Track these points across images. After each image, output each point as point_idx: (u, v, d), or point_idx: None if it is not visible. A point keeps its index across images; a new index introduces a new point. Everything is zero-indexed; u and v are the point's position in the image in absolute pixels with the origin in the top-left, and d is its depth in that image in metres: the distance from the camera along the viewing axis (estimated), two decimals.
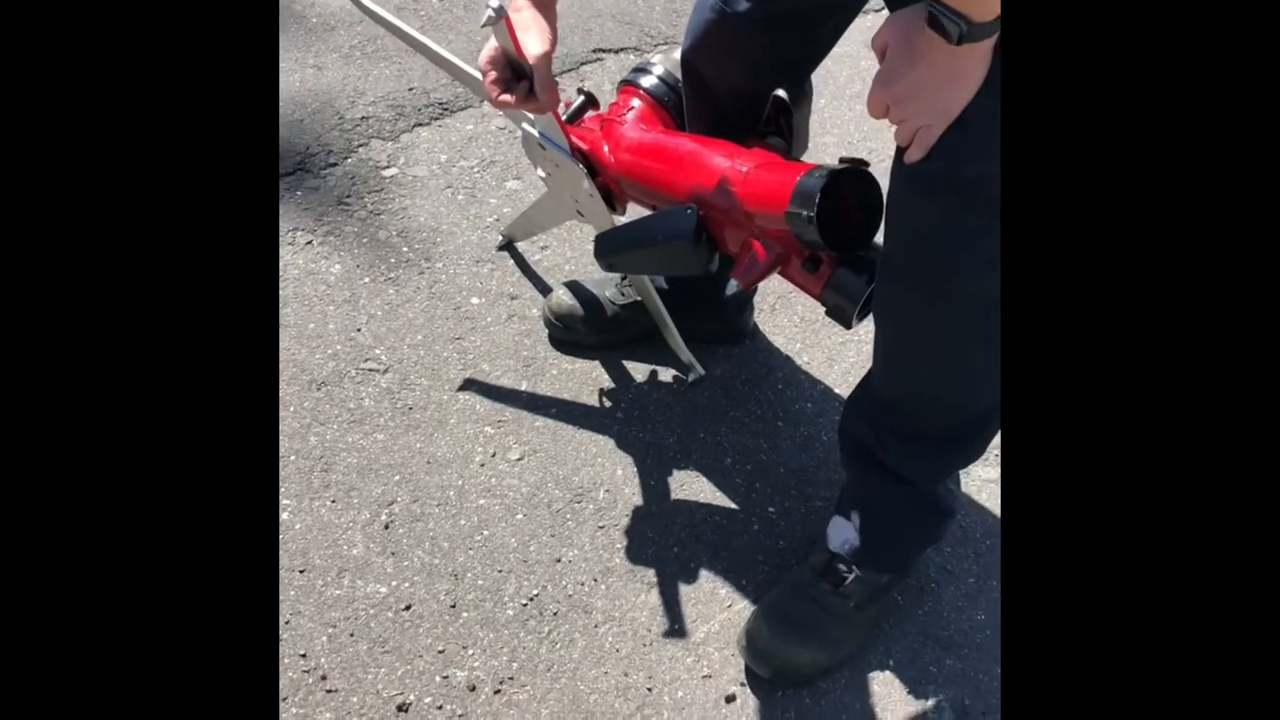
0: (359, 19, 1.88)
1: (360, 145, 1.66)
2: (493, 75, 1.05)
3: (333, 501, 1.21)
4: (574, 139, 1.19)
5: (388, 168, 1.63)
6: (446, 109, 1.74)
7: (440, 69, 1.35)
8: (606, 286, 1.41)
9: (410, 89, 1.75)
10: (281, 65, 1.77)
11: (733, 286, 1.05)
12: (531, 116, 1.20)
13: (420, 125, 1.71)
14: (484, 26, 1.00)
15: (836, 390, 1.39)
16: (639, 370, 1.40)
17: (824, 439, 1.34)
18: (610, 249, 1.18)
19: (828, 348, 1.44)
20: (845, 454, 1.16)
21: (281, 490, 1.22)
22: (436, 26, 1.87)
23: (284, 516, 1.20)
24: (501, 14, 0.99)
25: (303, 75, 1.76)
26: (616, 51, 1.87)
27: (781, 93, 1.03)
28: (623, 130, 1.19)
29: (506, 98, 1.05)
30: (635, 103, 1.22)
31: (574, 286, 1.41)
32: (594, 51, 1.87)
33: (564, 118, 1.22)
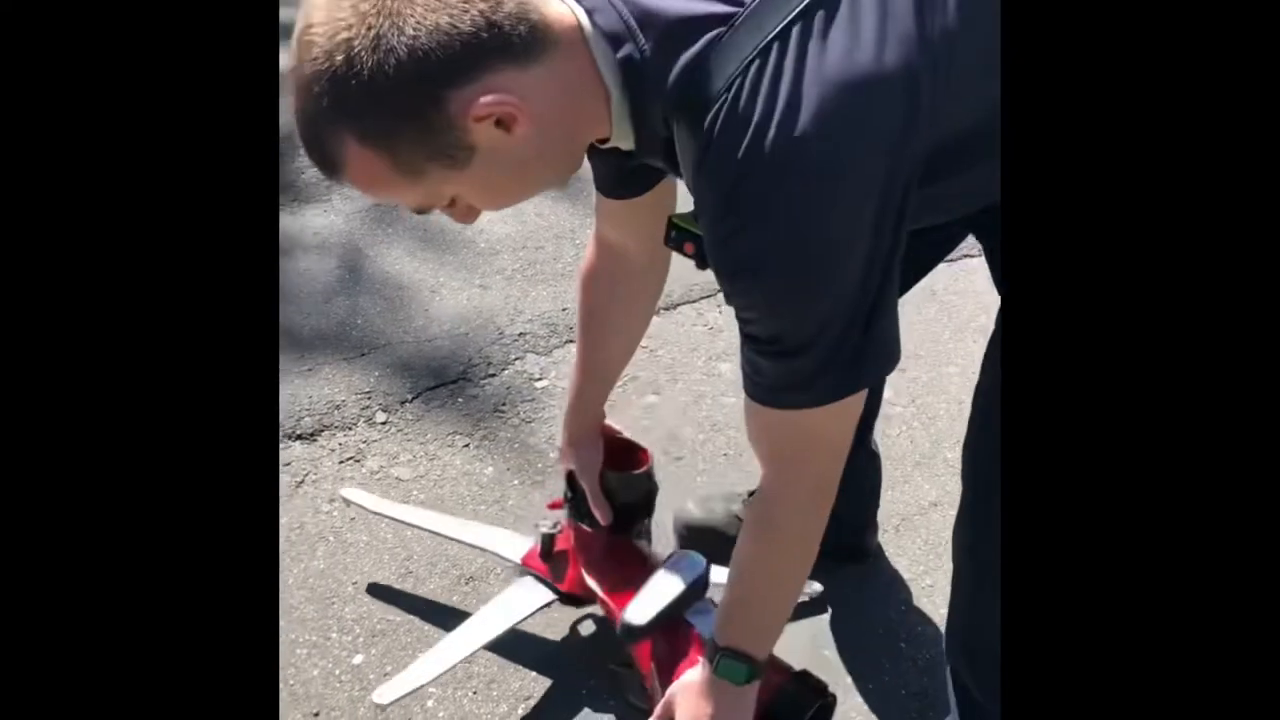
0: (521, 244, 2.10)
1: (517, 358, 1.83)
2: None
3: (474, 693, 1.29)
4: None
5: (540, 379, 1.79)
6: None
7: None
8: (734, 502, 1.49)
9: (564, 309, 1.94)
10: (451, 284, 1.99)
11: None
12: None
13: (571, 342, 1.87)
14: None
15: None
16: None
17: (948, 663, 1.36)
18: (641, 627, 1.12)
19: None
20: (953, 687, 1.19)
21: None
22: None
23: (429, 704, 1.28)
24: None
25: (469, 294, 1.97)
26: None
27: None
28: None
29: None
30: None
31: (703, 500, 1.51)
32: None
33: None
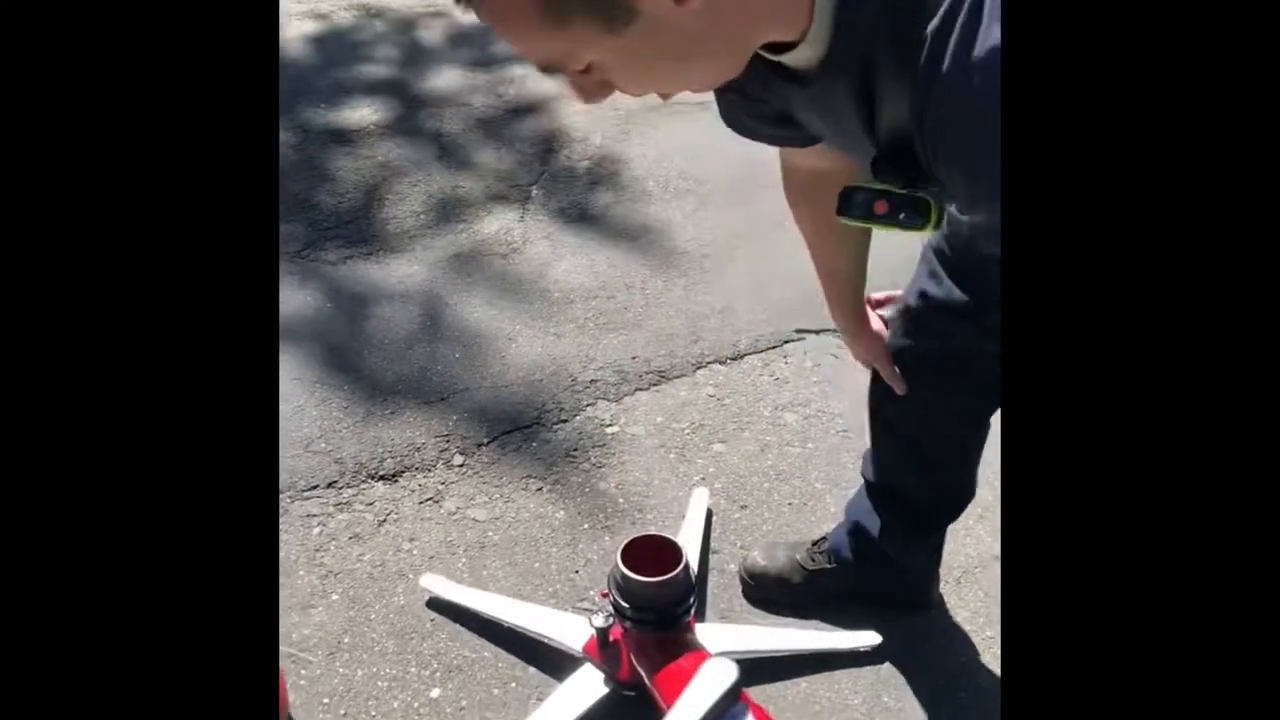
0: (593, 294, 2.18)
1: (588, 405, 1.90)
2: None
3: None
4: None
5: (610, 426, 1.86)
6: (664, 376, 1.97)
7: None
8: (798, 550, 1.53)
9: (634, 357, 2.00)
10: (526, 332, 2.07)
11: None
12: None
13: (640, 390, 1.94)
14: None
15: None
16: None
17: None
18: None
19: None
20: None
21: (501, 714, 1.37)
22: (659, 304, 2.14)
23: None
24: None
25: (544, 342, 2.05)
26: (817, 332, 2.07)
27: None
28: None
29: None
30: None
31: (768, 548, 1.55)
32: (796, 331, 2.08)
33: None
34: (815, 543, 1.52)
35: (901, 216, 0.76)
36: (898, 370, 1.29)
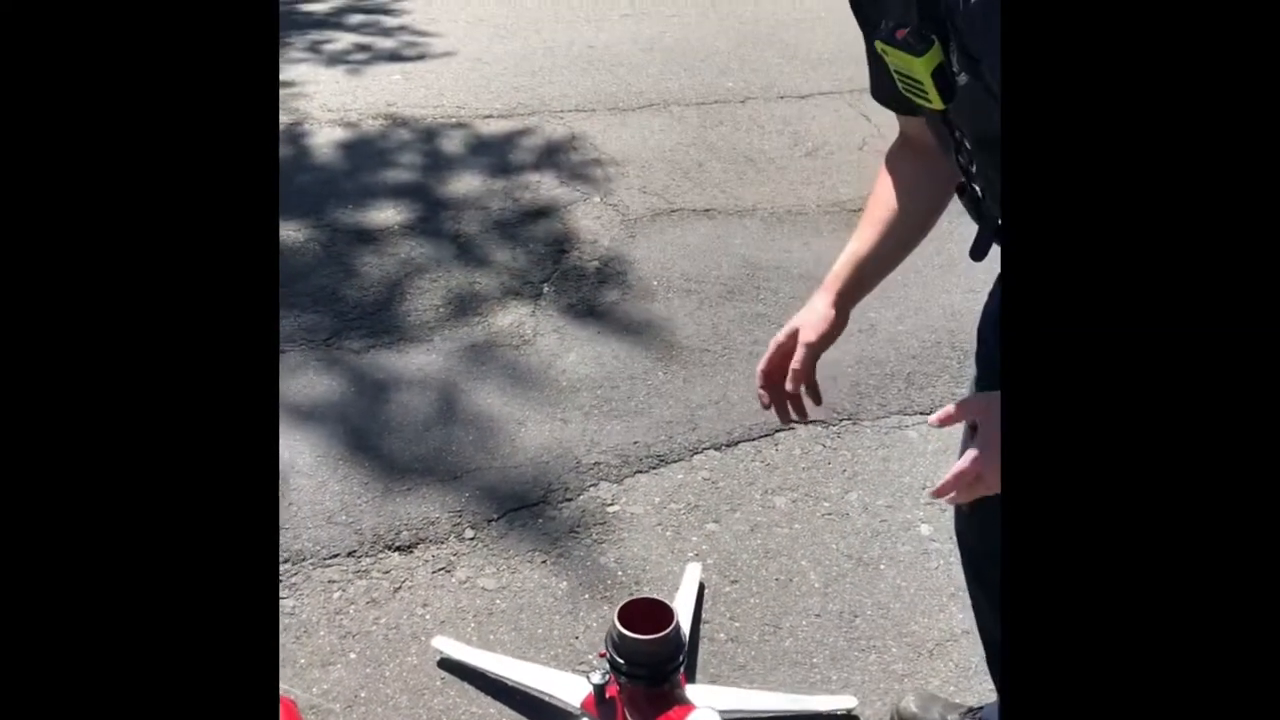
0: (599, 384, 2.34)
1: (591, 485, 2.04)
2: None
3: None
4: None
5: (612, 505, 1.99)
6: (663, 460, 2.11)
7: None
8: (953, 711, 1.52)
9: (635, 442, 2.15)
10: (535, 417, 2.22)
11: None
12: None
13: (640, 472, 2.08)
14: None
15: None
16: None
17: None
18: None
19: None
20: None
21: None
22: (659, 394, 2.30)
23: None
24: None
25: (551, 426, 2.20)
26: (808, 423, 2.22)
27: None
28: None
29: (762, 394, 1.19)
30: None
31: (925, 699, 1.56)
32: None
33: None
34: (971, 710, 1.53)
35: (910, 42, 0.92)
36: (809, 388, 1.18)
